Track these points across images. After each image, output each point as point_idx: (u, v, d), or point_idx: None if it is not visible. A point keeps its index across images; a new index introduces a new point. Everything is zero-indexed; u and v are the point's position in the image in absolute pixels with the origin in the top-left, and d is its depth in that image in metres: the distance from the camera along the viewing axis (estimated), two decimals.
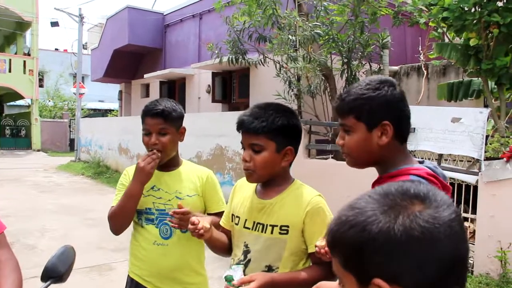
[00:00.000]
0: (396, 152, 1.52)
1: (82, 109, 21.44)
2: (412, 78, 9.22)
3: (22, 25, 25.42)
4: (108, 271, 5.42)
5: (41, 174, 15.00)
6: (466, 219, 5.77)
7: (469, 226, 5.77)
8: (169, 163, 2.24)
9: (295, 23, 6.95)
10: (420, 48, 9.43)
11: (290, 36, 6.95)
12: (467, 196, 5.64)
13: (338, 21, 7.80)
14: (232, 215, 1.88)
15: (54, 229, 7.30)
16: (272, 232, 1.72)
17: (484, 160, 5.32)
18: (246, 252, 1.77)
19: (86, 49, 25.69)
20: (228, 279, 1.64)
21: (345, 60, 7.79)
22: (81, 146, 18.23)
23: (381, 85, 1.50)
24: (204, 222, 1.77)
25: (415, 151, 6.05)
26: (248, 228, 1.78)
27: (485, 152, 5.46)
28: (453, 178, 5.60)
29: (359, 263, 0.73)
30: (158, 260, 2.15)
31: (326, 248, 1.53)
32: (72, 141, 23.80)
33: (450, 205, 0.74)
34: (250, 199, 1.82)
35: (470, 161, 5.60)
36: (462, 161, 5.69)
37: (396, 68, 9.39)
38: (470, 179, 5.39)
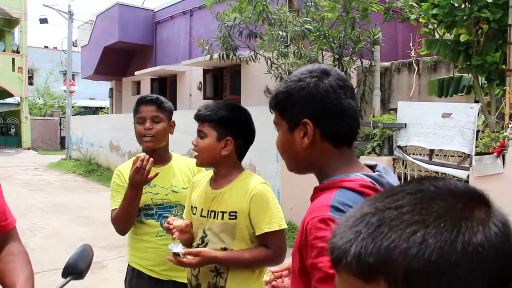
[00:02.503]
0: (329, 157, 1.25)
1: (72, 107, 21.32)
2: (403, 74, 9.23)
3: (10, 22, 25.16)
4: (101, 268, 5.40)
5: (31, 173, 14.90)
6: None
7: None
8: (161, 158, 2.34)
9: (285, 18, 6.93)
10: (411, 44, 9.46)
11: (280, 32, 6.93)
12: None
13: (329, 17, 7.80)
14: (192, 207, 2.05)
15: (44, 227, 7.26)
16: (223, 218, 1.91)
17: (475, 155, 5.35)
18: (203, 237, 1.95)
19: (76, 46, 25.53)
20: (171, 248, 1.87)
21: (336, 56, 7.79)
22: (72, 144, 18.11)
23: (307, 75, 1.24)
24: (179, 222, 1.95)
25: (406, 146, 6.09)
26: (204, 216, 1.96)
27: (476, 147, 5.49)
28: (444, 173, 5.64)
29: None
30: (162, 250, 2.23)
31: (274, 284, 1.51)
32: (62, 139, 23.67)
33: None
34: (204, 191, 2.01)
35: (461, 156, 5.63)
36: (453, 156, 5.72)
37: (387, 64, 9.40)
38: (461, 174, 5.43)
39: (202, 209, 1.98)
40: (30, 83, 29.22)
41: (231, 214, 1.90)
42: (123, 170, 2.33)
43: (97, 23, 17.36)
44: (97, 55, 16.96)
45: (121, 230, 2.29)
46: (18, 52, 25.25)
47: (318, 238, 1.07)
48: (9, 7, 23.13)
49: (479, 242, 0.52)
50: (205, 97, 12.86)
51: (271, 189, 1.97)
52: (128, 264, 2.41)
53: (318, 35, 7.62)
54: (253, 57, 8.12)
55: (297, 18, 6.99)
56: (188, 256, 1.84)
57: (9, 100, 28.26)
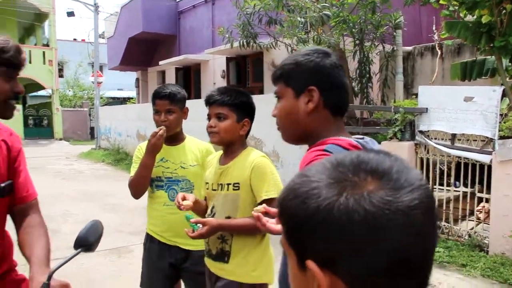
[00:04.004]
0: (326, 123, 1.42)
1: (101, 98, 21.74)
2: (426, 58, 9.07)
3: (40, 16, 25.68)
4: (127, 253, 5.58)
5: (63, 162, 15.32)
6: (481, 199, 5.75)
7: (484, 206, 5.75)
8: (175, 138, 2.69)
9: (303, 4, 6.90)
10: (434, 28, 9.27)
11: (299, 18, 6.91)
12: (481, 176, 5.61)
13: (349, 2, 7.73)
14: (206, 183, 2.33)
15: (75, 214, 7.49)
16: (228, 189, 2.17)
17: (498, 139, 5.27)
18: (212, 208, 2.24)
19: (104, 38, 25.89)
20: (187, 218, 2.14)
21: (357, 42, 7.72)
22: (101, 134, 18.51)
23: (312, 52, 1.44)
24: (188, 200, 2.19)
25: (428, 131, 6.02)
26: (214, 190, 2.23)
27: (500, 131, 5.40)
28: (467, 158, 5.57)
29: (298, 238, 0.64)
30: (168, 218, 2.61)
31: (259, 214, 1.65)
32: (92, 130, 24.14)
33: (416, 189, 0.61)
34: (214, 168, 2.28)
35: (484, 141, 5.55)
36: (476, 140, 5.65)
37: (409, 48, 9.26)
38: (483, 158, 5.35)
39: (212, 184, 2.25)
40: (61, 76, 29.84)
41: (235, 185, 2.15)
42: (143, 146, 2.67)
43: (121, 15, 17.57)
44: (122, 46, 17.20)
45: (135, 193, 2.62)
46: (48, 45, 25.79)
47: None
48: (39, 2, 23.61)
49: (352, 206, 0.59)
50: (228, 85, 12.93)
51: (270, 162, 2.21)
52: (146, 231, 2.77)
53: (338, 21, 7.57)
54: (273, 44, 8.12)
55: (315, 4, 6.95)
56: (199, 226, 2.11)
57: (41, 92, 28.93)
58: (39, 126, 26.65)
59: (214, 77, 14.11)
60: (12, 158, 1.67)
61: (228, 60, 12.90)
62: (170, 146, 2.65)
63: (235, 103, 2.19)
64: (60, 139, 25.17)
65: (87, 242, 1.49)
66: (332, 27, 7.74)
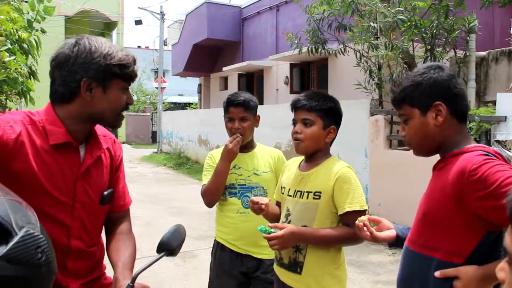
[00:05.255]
0: (456, 131, 1.57)
1: (163, 103, 22.28)
2: (502, 63, 8.59)
3: (109, 25, 26.90)
4: (192, 258, 5.60)
5: (126, 165, 15.65)
6: None
7: None
8: (247, 146, 2.68)
9: (376, 9, 6.72)
10: (511, 31, 8.76)
11: (371, 24, 6.73)
12: None
13: (420, 6, 7.46)
14: (282, 187, 2.28)
15: (139, 216, 7.64)
16: (307, 198, 2.10)
17: None
18: (287, 215, 2.16)
19: (166, 45, 26.64)
20: (261, 230, 2.04)
21: (428, 47, 7.44)
22: (163, 138, 18.97)
23: (428, 69, 1.59)
24: (262, 199, 2.20)
25: (506, 141, 5.69)
26: (290, 196, 2.17)
27: None
28: None
29: None
30: (241, 226, 2.59)
31: (366, 222, 1.75)
32: (154, 134, 24.86)
33: None
34: (294, 173, 2.22)
35: None
36: None
37: (483, 53, 8.80)
38: None
39: (289, 189, 2.19)
40: None
41: (316, 194, 2.08)
42: (215, 154, 2.71)
43: (187, 22, 18.00)
44: (186, 52, 17.60)
45: (209, 202, 2.64)
46: None
47: (490, 167, 1.36)
48: (109, 11, 24.78)
49: None
50: (291, 92, 12.89)
51: (354, 173, 2.12)
52: (215, 239, 2.74)
53: (409, 26, 7.32)
54: (342, 50, 7.98)
55: (389, 8, 6.74)
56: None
57: None
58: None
59: (277, 83, 14.12)
60: (115, 167, 1.72)
61: (292, 66, 12.87)
62: (242, 153, 2.65)
63: (323, 108, 2.11)
64: (123, 143, 26.09)
65: (170, 246, 1.52)
66: (403, 33, 7.49)
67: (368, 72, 7.72)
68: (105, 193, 1.65)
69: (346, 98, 8.57)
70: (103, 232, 1.77)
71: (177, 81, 29.11)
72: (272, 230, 2.01)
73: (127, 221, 1.77)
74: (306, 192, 2.11)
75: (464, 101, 1.59)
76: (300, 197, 2.12)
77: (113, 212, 1.73)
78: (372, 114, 7.44)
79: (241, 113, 2.59)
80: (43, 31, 6.13)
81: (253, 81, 15.65)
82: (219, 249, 2.69)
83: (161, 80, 19.64)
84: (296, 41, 8.11)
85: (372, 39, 7.10)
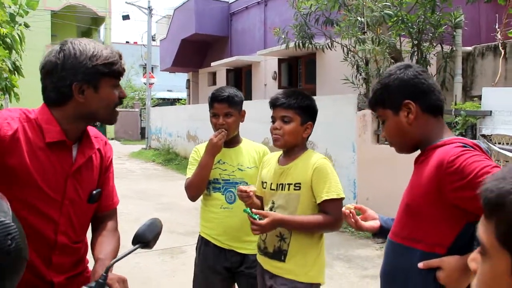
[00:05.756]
0: (432, 125, 1.61)
1: (152, 99, 22.17)
2: (488, 58, 8.64)
3: (97, 21, 26.71)
4: (180, 254, 5.59)
5: (115, 161, 15.58)
6: None
7: None
8: (232, 141, 2.70)
9: (363, 4, 6.72)
10: (497, 26, 8.81)
11: (358, 18, 6.73)
12: None
13: (407, 1, 7.48)
14: (262, 182, 2.38)
15: (127, 213, 7.60)
16: (289, 189, 2.22)
17: None
18: (271, 208, 2.27)
19: (155, 40, 26.48)
20: (246, 211, 2.14)
21: (415, 42, 7.46)
22: (152, 134, 18.89)
23: (395, 70, 1.66)
24: (250, 187, 2.35)
25: (491, 135, 5.74)
26: (273, 189, 2.28)
27: None
28: None
29: None
30: (224, 221, 2.62)
31: (352, 210, 1.85)
32: (143, 130, 24.72)
33: None
34: (273, 168, 2.33)
35: None
36: None
37: (469, 48, 8.85)
38: None
39: (271, 183, 2.29)
40: None
41: (296, 185, 2.20)
42: (200, 148, 2.73)
43: (174, 17, 17.90)
44: (175, 47, 17.52)
45: (192, 196, 2.64)
46: None
47: (466, 158, 1.39)
48: (96, 6, 24.58)
49: None
50: (280, 87, 12.88)
51: (330, 164, 2.26)
52: (199, 234, 2.77)
53: (395, 20, 7.33)
54: (329, 45, 7.98)
55: (376, 3, 6.75)
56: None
57: None
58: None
59: (265, 79, 14.11)
60: (104, 167, 1.78)
61: (280, 61, 12.87)
62: (227, 148, 2.66)
63: (301, 106, 2.24)
64: (112, 139, 25.91)
65: (145, 238, 1.55)
66: (389, 27, 7.51)
67: (355, 67, 7.73)
68: (94, 192, 1.70)
69: (334, 93, 8.56)
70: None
71: (166, 77, 28.96)
72: (256, 216, 2.11)
73: (114, 220, 1.82)
74: (287, 184, 2.22)
75: (435, 95, 1.62)
76: (282, 190, 2.24)
77: (101, 211, 1.78)
78: (359, 109, 7.46)
79: (226, 108, 2.60)
80: (26, 26, 6.03)
81: (241, 76, 15.62)
82: (203, 244, 2.71)
83: (150, 76, 19.52)
84: (283, 36, 8.09)
85: (359, 33, 7.11)
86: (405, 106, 1.59)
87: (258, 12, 14.81)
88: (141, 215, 7.44)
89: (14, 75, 6.94)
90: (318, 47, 8.19)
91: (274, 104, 2.28)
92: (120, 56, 1.63)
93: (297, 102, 2.23)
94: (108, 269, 1.43)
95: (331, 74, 10.33)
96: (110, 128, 26.22)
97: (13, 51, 6.37)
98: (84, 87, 1.55)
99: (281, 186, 2.24)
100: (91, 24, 27.14)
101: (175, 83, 32.72)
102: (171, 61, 17.99)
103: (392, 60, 7.55)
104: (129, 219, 7.21)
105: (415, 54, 7.69)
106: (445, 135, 1.59)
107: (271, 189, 2.29)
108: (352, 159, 7.54)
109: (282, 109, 2.23)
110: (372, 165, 7.14)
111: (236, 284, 2.72)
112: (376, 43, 6.63)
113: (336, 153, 7.79)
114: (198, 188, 2.62)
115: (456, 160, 1.41)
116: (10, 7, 6.47)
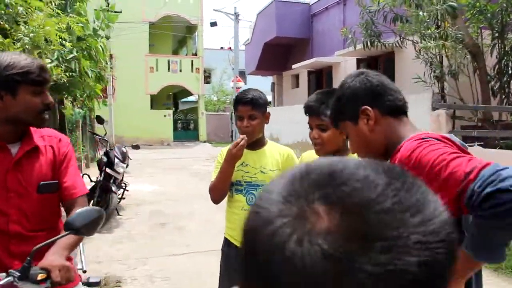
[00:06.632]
0: (395, 127, 1.54)
1: None
2: None
3: (190, 29, 28.06)
4: None
5: (202, 163, 16.30)
6: None
7: None
8: (256, 143, 2.69)
9: None
10: None
11: (421, 13, 6.39)
12: None
13: None
14: None
15: (201, 213, 7.89)
16: None
17: None
18: None
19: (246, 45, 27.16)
20: None
21: (496, 34, 6.91)
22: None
23: (347, 79, 1.61)
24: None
25: None
26: None
27: None
28: None
29: None
30: None
31: None
32: (233, 132, 25.42)
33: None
34: None
35: None
36: None
37: None
38: None
39: None
40: (207, 82, 32.02)
41: None
42: (224, 151, 2.70)
43: (257, 21, 18.20)
44: (258, 51, 17.80)
45: (214, 199, 2.67)
46: (196, 54, 27.97)
47: (421, 150, 1.34)
48: (189, 15, 25.82)
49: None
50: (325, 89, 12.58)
51: None
52: (224, 235, 2.80)
53: (473, 12, 6.86)
54: (400, 43, 7.67)
55: None
56: None
57: (190, 98, 31.46)
58: (187, 129, 28.93)
59: None
60: (59, 161, 1.92)
61: (359, 61, 12.58)
62: (251, 150, 2.65)
63: None
64: (204, 141, 26.97)
65: (73, 226, 1.62)
66: (467, 20, 7.04)
67: (428, 64, 7.36)
68: (43, 183, 1.84)
69: (414, 92, 8.22)
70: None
71: (256, 80, 29.43)
72: None
73: (80, 207, 1.91)
74: None
75: (392, 96, 1.54)
76: None
77: (65, 199, 1.92)
78: (433, 108, 7.09)
79: (249, 111, 2.60)
80: (107, 38, 6.54)
81: (322, 78, 15.47)
82: (226, 245, 2.75)
83: (237, 80, 20.06)
84: (350, 36, 7.91)
85: (431, 29, 6.76)
86: (362, 113, 1.53)
87: (338, 12, 14.56)
88: (213, 217, 7.55)
89: (99, 83, 7.55)
90: (387, 45, 7.91)
91: (308, 112, 2.24)
92: (42, 67, 1.79)
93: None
94: (33, 254, 1.52)
95: (407, 72, 9.92)
96: (202, 131, 27.36)
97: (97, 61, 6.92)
98: (2, 93, 1.72)
99: None
100: (186, 32, 28.56)
101: (265, 87, 33.26)
102: (255, 65, 18.30)
103: (469, 56, 7.09)
104: (201, 219, 7.45)
105: (497, 47, 7.14)
106: (410, 134, 1.49)
107: None
108: None
109: (317, 118, 2.20)
110: None
111: None
112: (445, 38, 6.26)
113: None
114: (219, 191, 2.65)
115: (412, 154, 1.36)
116: (94, 22, 7.08)
